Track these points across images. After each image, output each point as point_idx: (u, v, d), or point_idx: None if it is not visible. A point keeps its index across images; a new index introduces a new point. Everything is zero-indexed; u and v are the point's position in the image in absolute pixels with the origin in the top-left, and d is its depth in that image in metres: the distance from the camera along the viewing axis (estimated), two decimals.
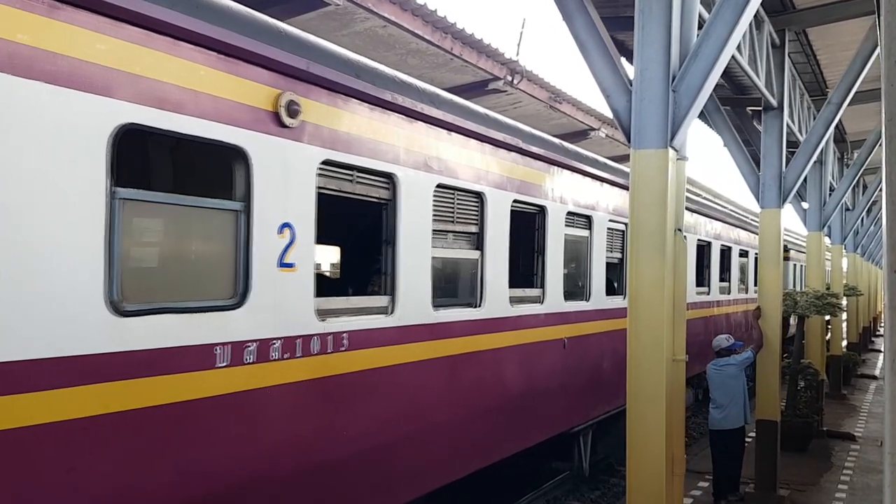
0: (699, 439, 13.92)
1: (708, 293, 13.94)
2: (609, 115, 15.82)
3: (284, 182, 4.10)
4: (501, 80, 12.98)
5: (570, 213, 8.01)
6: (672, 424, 5.04)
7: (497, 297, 6.50)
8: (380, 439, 4.97)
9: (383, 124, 4.99)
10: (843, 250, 19.28)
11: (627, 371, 5.11)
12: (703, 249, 13.93)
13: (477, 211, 6.29)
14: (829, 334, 17.82)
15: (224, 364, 3.72)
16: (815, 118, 9.88)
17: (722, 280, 15.26)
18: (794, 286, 23.91)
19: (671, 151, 5.05)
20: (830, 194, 13.69)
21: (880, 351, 28.89)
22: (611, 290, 9.62)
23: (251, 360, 3.88)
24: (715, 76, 5.05)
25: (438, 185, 5.64)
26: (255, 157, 3.88)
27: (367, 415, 4.86)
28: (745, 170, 9.43)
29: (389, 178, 5.11)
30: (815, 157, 9.21)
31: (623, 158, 19.75)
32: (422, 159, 5.39)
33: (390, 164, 5.05)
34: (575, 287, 8.48)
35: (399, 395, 5.19)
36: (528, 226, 7.43)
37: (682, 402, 5.25)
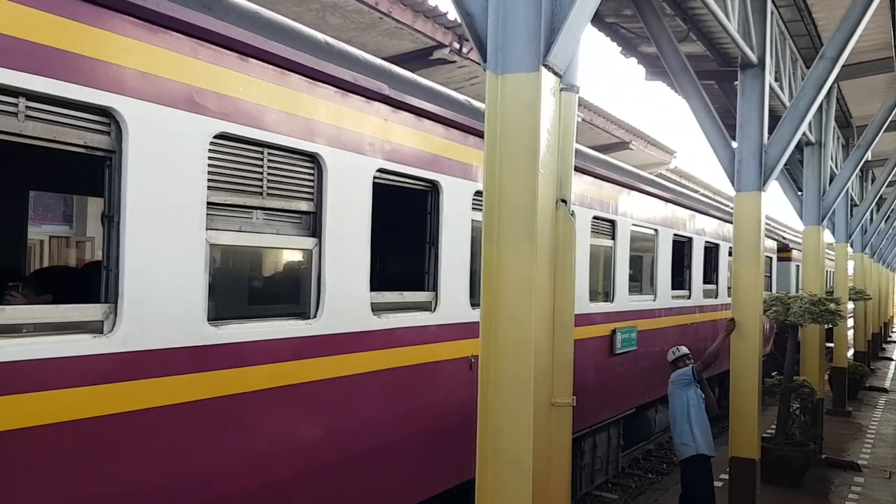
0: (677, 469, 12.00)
1: (688, 296, 12.02)
2: (588, 98, 13.68)
3: None
4: (447, 48, 11.11)
5: (480, 194, 6.13)
6: None
7: (347, 303, 4.63)
8: None
9: (86, 26, 3.14)
10: (849, 249, 17.27)
11: (478, 422, 3.24)
12: (683, 246, 12.02)
13: (310, 181, 4.43)
14: (833, 343, 15.85)
15: None
16: None
17: (707, 282, 13.35)
18: (798, 291, 21.85)
19: (548, 75, 3.18)
20: (832, 183, 11.75)
21: (892, 359, 26.83)
22: None
23: None
24: None
25: (221, 136, 3.78)
26: None
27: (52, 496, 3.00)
28: (717, 143, 7.53)
29: (108, 117, 3.25)
30: (804, 126, 7.31)
31: (609, 148, 17.72)
32: (180, 93, 3.54)
33: (105, 92, 3.19)
34: None
35: (133, 460, 3.33)
36: (412, 207, 5.58)
37: (567, 469, 3.36)
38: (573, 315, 3.29)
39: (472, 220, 6.06)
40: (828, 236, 16.92)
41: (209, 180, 3.70)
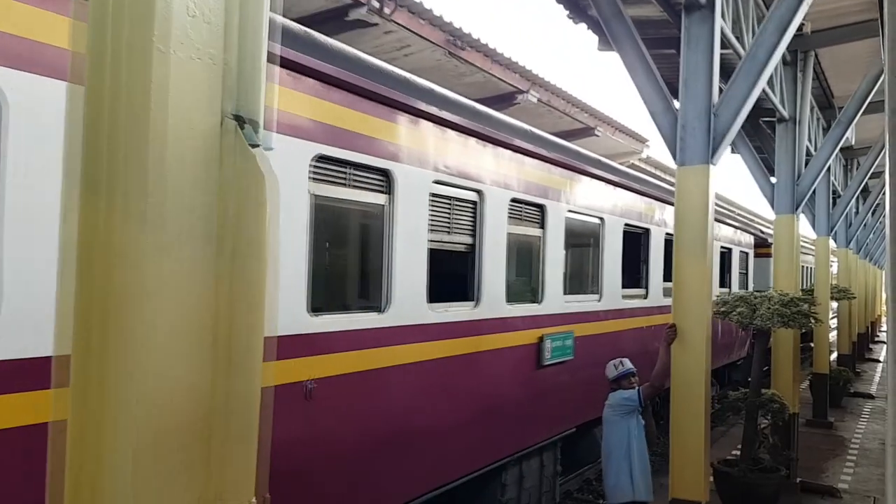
0: None
1: (645, 296, 10.50)
2: (542, 74, 12.02)
3: None
4: (364, 7, 9.57)
5: (325, 158, 4.58)
6: None
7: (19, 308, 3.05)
8: None
9: None
10: (832, 243, 15.82)
11: None
12: (639, 238, 10.51)
13: None
14: (814, 346, 14.37)
15: None
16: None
17: (671, 280, 11.84)
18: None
19: None
20: (808, 166, 10.23)
21: (879, 361, 25.47)
22: (452, 293, 6.20)
23: None
24: None
25: None
26: None
27: None
28: (657, 105, 6.00)
29: None
30: (763, 81, 5.77)
31: (573, 135, 16.11)
32: None
33: None
34: (351, 288, 5.06)
35: None
36: None
37: None
38: (262, 341, 1.73)
39: (316, 197, 4.51)
40: (808, 230, 15.50)
41: None
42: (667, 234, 11.27)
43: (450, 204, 5.96)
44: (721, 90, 6.01)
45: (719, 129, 5.74)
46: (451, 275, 6.23)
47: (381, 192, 5.08)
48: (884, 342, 33.06)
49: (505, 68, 12.42)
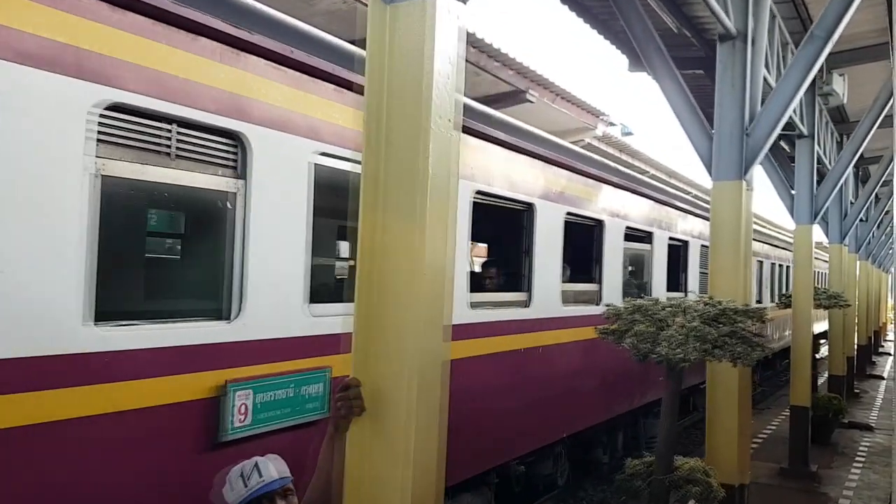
0: None
1: (526, 303, 6.98)
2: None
3: None
4: None
5: None
6: None
7: None
8: None
9: None
10: (819, 236, 12.28)
11: None
12: (517, 218, 7.03)
13: None
14: (792, 367, 10.78)
15: None
16: None
17: (581, 279, 8.37)
18: (769, 295, 16.85)
19: None
20: (765, 104, 6.68)
21: (882, 377, 21.88)
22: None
23: None
24: None
25: None
26: None
27: None
28: None
29: None
30: None
31: (500, 100, 12.41)
32: None
33: None
34: None
35: None
36: None
37: None
38: None
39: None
40: (788, 220, 12.01)
41: None
42: (570, 213, 7.77)
43: None
44: None
45: None
46: None
47: None
48: (889, 354, 29.25)
49: None
